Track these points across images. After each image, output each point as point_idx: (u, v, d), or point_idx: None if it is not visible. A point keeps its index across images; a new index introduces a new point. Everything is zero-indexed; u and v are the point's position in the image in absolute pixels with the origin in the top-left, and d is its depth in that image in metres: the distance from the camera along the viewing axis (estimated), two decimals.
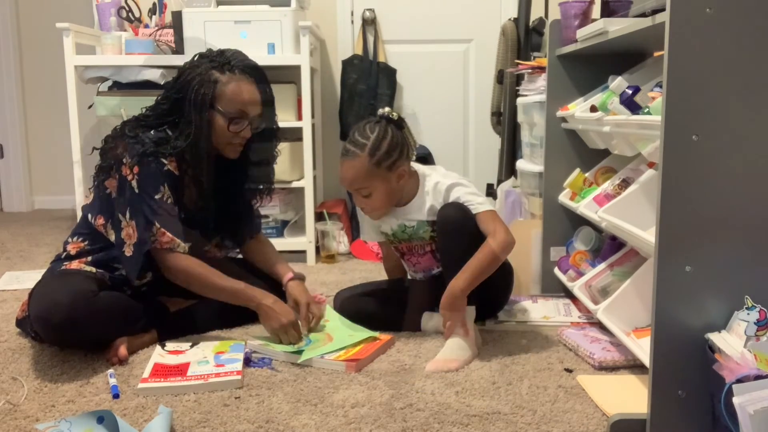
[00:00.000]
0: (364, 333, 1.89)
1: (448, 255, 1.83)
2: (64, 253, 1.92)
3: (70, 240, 1.94)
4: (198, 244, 1.96)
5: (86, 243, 1.91)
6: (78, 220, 2.00)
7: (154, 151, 1.83)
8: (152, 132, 1.88)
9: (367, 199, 1.87)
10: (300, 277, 2.04)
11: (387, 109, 1.88)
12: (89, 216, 1.92)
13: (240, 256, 2.20)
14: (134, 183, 1.80)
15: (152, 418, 1.43)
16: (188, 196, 1.94)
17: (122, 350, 1.77)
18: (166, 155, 1.84)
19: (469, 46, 3.51)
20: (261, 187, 2.11)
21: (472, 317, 1.81)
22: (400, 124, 1.87)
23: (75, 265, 1.87)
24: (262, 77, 1.96)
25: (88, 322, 1.70)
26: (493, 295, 1.98)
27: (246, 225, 2.13)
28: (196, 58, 1.92)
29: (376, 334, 1.89)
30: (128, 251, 1.81)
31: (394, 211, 1.96)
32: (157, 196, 1.81)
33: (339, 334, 1.90)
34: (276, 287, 2.01)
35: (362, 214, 2.04)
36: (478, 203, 1.83)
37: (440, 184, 1.90)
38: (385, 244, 2.12)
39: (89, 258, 1.89)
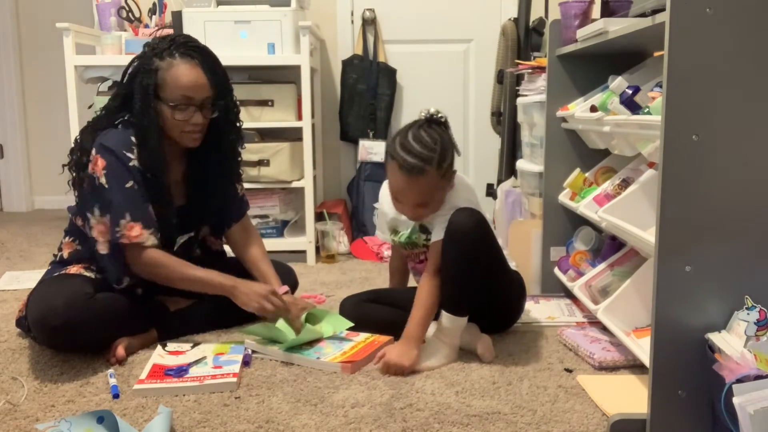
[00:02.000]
0: (346, 324, 1.90)
1: (449, 260, 1.75)
2: (59, 254, 1.93)
3: (63, 240, 1.95)
4: (173, 239, 1.94)
5: (77, 242, 1.91)
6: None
7: (117, 146, 1.79)
8: (119, 127, 1.84)
9: (422, 208, 1.78)
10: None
11: (434, 109, 1.77)
12: (73, 217, 1.92)
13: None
14: (102, 178, 1.78)
15: (152, 418, 1.43)
16: (158, 191, 1.87)
17: (120, 350, 1.77)
18: (132, 149, 1.80)
19: (469, 46, 3.51)
20: (230, 174, 2.03)
21: (472, 332, 1.83)
22: (446, 124, 1.79)
23: (74, 270, 1.87)
24: (208, 58, 1.85)
25: (85, 325, 1.70)
26: (506, 309, 1.96)
27: (226, 210, 2.07)
28: (144, 49, 1.87)
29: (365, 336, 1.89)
30: (103, 248, 1.80)
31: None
32: (127, 185, 1.78)
33: (326, 327, 1.92)
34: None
35: (380, 211, 2.01)
36: (439, 233, 1.77)
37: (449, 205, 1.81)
38: (393, 248, 2.10)
39: (89, 264, 1.88)
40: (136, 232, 1.78)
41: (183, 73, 1.79)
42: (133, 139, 1.82)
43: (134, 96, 1.81)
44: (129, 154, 1.80)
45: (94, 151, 1.80)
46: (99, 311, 1.74)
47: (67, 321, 1.67)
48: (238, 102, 1.99)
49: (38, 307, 1.73)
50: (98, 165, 1.78)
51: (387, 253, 3.01)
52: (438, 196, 1.79)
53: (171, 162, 1.90)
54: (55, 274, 1.86)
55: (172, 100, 1.80)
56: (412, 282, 2.11)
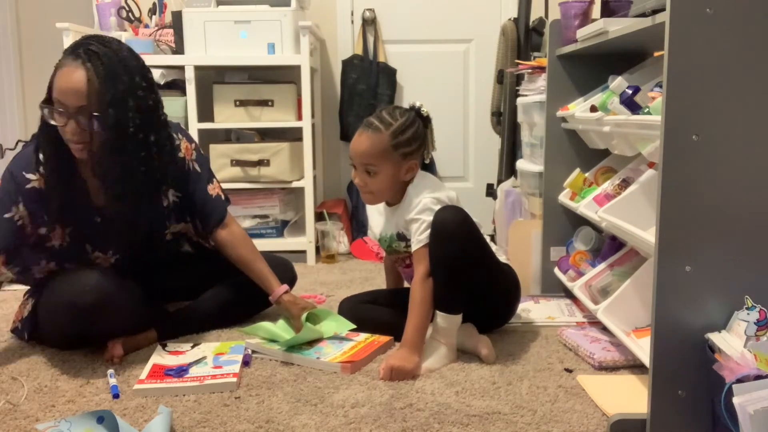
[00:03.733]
0: (348, 326, 1.90)
1: (437, 260, 1.74)
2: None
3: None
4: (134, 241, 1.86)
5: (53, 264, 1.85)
6: None
7: (17, 167, 1.71)
8: (24, 149, 1.75)
9: (370, 178, 1.83)
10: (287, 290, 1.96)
11: (419, 103, 1.87)
12: None
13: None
14: None
15: (152, 418, 1.43)
16: (81, 203, 1.77)
17: (118, 349, 1.77)
18: (37, 170, 1.70)
19: (469, 46, 3.51)
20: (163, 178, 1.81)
21: (473, 334, 1.83)
22: (426, 121, 1.87)
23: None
24: (102, 63, 1.60)
25: (116, 304, 1.70)
26: (502, 302, 1.96)
27: (204, 213, 1.96)
28: None
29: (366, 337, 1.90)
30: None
31: (387, 210, 1.94)
32: (6, 216, 1.70)
33: (327, 327, 1.91)
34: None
35: (369, 210, 2.03)
36: (418, 240, 1.78)
37: (423, 198, 1.81)
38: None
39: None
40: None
41: (63, 76, 1.61)
42: (41, 157, 1.71)
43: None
44: (29, 175, 1.71)
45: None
46: (126, 292, 1.75)
47: (100, 298, 1.66)
48: (148, 124, 1.70)
49: (67, 290, 1.69)
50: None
51: None
52: (385, 170, 1.81)
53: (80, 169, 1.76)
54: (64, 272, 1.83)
55: (47, 103, 1.65)
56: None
